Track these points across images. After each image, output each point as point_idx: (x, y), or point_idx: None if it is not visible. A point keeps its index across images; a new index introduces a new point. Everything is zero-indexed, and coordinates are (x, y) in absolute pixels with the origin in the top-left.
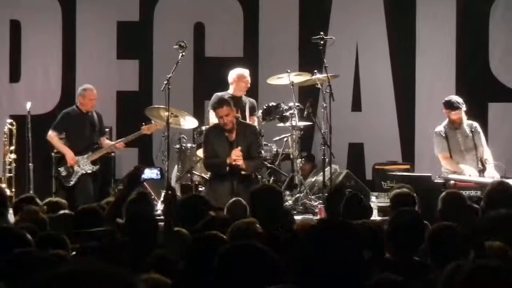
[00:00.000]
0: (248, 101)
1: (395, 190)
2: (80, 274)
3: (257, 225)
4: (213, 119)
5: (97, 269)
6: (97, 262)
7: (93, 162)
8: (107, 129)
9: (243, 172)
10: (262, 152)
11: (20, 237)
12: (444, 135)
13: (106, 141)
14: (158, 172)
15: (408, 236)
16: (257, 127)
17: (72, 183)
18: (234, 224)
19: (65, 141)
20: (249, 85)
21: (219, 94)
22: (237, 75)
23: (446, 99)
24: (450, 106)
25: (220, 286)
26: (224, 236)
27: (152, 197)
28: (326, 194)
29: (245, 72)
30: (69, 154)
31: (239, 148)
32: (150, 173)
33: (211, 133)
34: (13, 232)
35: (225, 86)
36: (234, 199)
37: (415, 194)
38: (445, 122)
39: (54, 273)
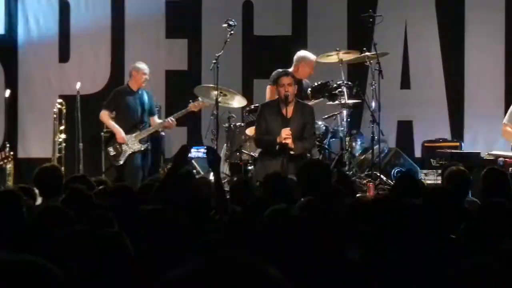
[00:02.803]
0: (307, 84)
1: (451, 168)
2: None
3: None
4: (269, 95)
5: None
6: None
7: (141, 141)
8: (156, 108)
9: (291, 152)
10: (316, 133)
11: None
12: None
13: (156, 120)
14: (205, 151)
15: (442, 214)
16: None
17: (121, 162)
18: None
19: (115, 119)
20: (312, 72)
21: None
22: (308, 61)
23: None
24: None
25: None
26: None
27: (201, 175)
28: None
29: (314, 59)
30: (119, 133)
31: (288, 128)
32: (196, 152)
33: (266, 109)
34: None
35: (275, 64)
36: (287, 178)
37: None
38: None
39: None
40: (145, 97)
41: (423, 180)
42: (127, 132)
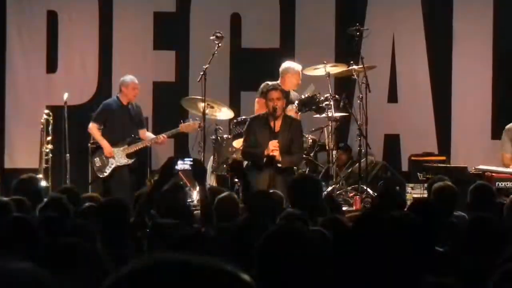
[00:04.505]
0: (295, 96)
1: (438, 184)
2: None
3: None
4: (258, 107)
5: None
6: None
7: (129, 156)
8: None
9: (278, 165)
10: (304, 146)
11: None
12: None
13: (146, 134)
14: (191, 163)
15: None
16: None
17: (105, 174)
18: None
19: (103, 132)
20: (299, 83)
21: (270, 82)
22: (293, 71)
23: None
24: None
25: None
26: None
27: (187, 187)
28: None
29: (300, 69)
30: (107, 147)
31: (276, 140)
32: (183, 164)
33: (254, 122)
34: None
35: (262, 77)
36: (271, 191)
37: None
38: None
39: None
40: (135, 110)
41: (407, 194)
42: (115, 145)
